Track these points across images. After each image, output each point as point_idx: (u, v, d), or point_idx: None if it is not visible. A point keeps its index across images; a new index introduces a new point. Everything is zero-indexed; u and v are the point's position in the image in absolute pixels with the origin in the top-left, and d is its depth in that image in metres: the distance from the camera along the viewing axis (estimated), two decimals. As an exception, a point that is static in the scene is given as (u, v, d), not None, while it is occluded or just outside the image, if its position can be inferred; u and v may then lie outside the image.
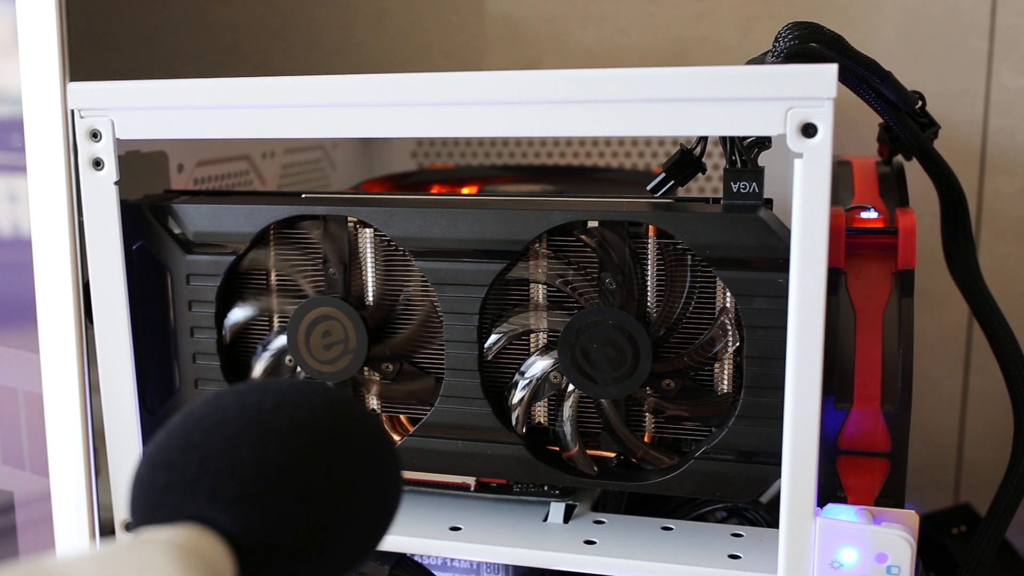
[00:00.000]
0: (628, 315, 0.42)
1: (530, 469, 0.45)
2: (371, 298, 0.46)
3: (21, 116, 0.47)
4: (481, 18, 0.81)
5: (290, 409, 0.27)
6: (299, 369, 0.47)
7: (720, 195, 0.43)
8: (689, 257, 0.42)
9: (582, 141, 0.77)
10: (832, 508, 0.40)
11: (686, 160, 0.45)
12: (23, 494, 0.51)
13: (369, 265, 0.46)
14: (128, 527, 0.26)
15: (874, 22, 0.74)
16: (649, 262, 0.43)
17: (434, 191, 0.69)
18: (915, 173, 0.52)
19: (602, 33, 0.79)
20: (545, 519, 0.47)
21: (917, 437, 0.49)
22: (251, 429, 0.26)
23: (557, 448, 0.45)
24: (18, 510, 0.52)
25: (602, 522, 0.46)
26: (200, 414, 0.27)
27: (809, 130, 0.37)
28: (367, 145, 0.82)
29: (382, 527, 0.28)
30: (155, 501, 0.26)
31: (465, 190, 0.70)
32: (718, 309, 0.43)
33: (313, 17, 0.85)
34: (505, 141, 0.78)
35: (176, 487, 0.25)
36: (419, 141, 0.81)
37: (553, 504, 0.47)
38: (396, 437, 0.47)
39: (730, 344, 0.42)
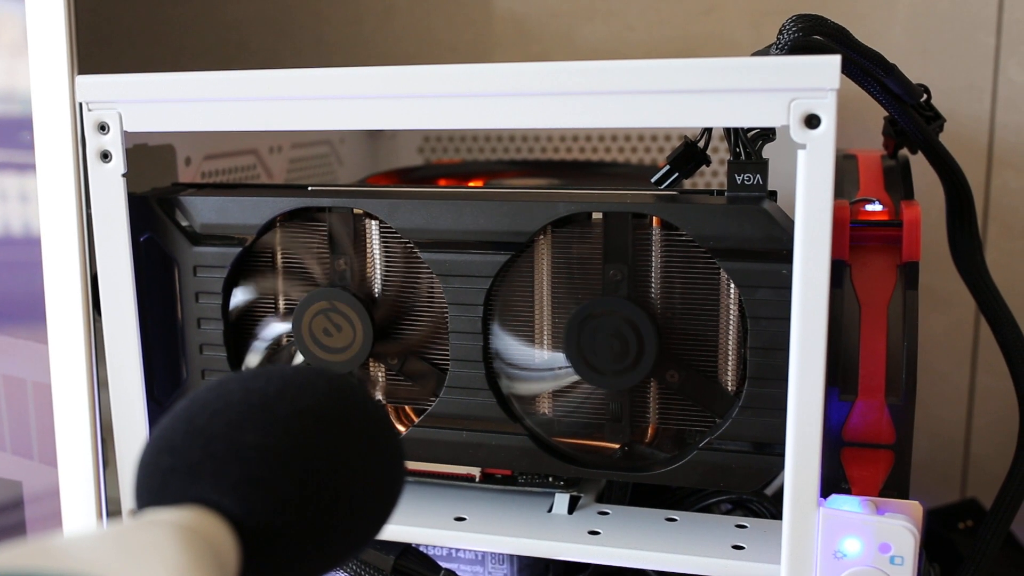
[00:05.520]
0: (632, 306, 0.42)
1: (535, 460, 0.45)
2: (376, 290, 0.47)
3: (31, 114, 0.47)
4: (488, 14, 0.82)
5: (294, 394, 0.27)
6: (297, 356, 0.47)
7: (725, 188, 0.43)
8: (693, 248, 0.42)
9: (588, 136, 0.77)
10: (836, 499, 0.40)
11: (690, 152, 0.45)
12: (31, 484, 0.52)
13: (374, 257, 0.47)
14: (133, 511, 0.26)
15: (881, 16, 0.74)
16: (653, 254, 0.43)
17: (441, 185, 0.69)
18: (921, 170, 0.52)
19: (608, 29, 0.79)
20: (550, 510, 0.47)
21: (924, 432, 0.49)
22: (255, 413, 0.26)
23: (562, 439, 0.46)
24: (26, 499, 0.52)
25: (606, 513, 0.47)
26: (205, 399, 0.27)
27: (812, 121, 0.37)
28: (374, 140, 0.83)
29: (385, 512, 0.28)
30: (159, 484, 0.26)
31: (471, 184, 0.70)
32: (722, 300, 0.43)
33: (320, 13, 0.85)
34: (511, 136, 0.78)
35: (180, 470, 0.26)
36: (425, 136, 0.81)
37: (558, 495, 0.47)
38: (401, 428, 0.47)
39: (734, 335, 0.42)
